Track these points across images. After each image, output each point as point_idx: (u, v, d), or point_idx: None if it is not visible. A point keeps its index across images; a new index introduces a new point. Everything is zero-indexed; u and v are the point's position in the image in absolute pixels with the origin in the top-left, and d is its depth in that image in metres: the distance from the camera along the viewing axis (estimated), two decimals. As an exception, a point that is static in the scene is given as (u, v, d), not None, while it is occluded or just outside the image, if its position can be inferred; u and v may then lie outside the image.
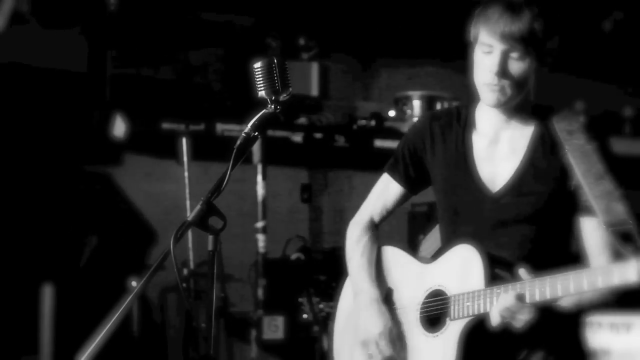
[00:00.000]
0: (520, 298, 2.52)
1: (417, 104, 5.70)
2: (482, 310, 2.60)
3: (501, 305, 2.54)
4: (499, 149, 2.74)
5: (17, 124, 5.04)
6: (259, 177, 5.31)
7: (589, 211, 2.60)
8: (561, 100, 6.89)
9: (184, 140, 5.11)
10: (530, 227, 2.68)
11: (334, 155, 5.70)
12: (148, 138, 5.23)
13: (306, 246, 5.62)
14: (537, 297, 2.50)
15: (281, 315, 5.16)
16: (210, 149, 4.99)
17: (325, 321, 4.89)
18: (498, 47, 2.62)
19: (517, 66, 2.64)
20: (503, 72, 2.63)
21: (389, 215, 3.03)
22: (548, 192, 2.65)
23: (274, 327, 5.16)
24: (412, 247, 3.28)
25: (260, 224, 5.29)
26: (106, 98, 5.31)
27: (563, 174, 2.65)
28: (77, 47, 5.29)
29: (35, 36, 5.16)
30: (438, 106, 5.70)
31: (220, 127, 5.24)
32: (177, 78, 5.58)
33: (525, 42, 2.62)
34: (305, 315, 4.87)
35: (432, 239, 3.04)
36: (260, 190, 5.31)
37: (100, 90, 5.30)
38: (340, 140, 5.58)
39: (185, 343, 5.09)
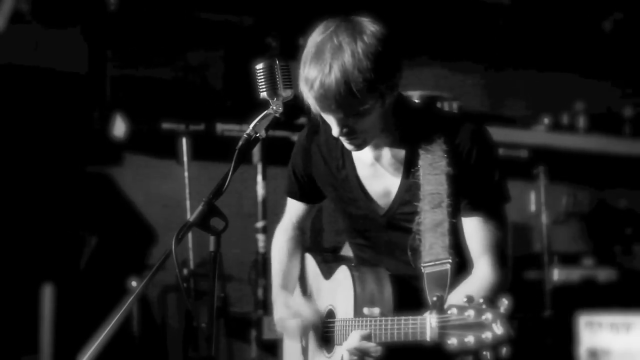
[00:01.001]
0: (367, 338, 2.49)
1: (417, 104, 5.69)
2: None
3: (349, 345, 2.53)
4: (381, 165, 2.66)
5: (16, 124, 5.03)
6: (259, 177, 5.31)
7: (468, 211, 2.55)
8: (561, 100, 6.93)
9: (184, 140, 5.11)
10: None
11: (334, 155, 5.69)
12: (148, 138, 5.23)
13: (306, 246, 5.61)
14: (379, 339, 2.47)
15: (281, 315, 5.15)
16: (210, 149, 4.99)
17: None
18: (329, 116, 2.47)
19: (360, 123, 2.47)
20: (348, 132, 2.50)
21: (309, 217, 3.05)
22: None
23: (274, 327, 5.15)
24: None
25: (260, 224, 5.28)
26: (106, 98, 5.30)
27: (415, 191, 2.58)
28: (77, 47, 5.28)
29: (35, 36, 5.16)
30: (438, 106, 5.70)
31: (220, 127, 5.23)
32: (177, 78, 5.58)
33: (351, 102, 2.40)
34: (305, 315, 4.87)
35: None
36: (260, 190, 5.30)
37: (100, 90, 5.30)
38: (340, 140, 5.57)
39: (185, 343, 5.08)
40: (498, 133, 6.79)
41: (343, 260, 2.93)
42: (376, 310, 2.52)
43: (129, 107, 5.17)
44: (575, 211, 6.46)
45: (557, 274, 5.82)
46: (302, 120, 5.52)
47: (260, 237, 5.26)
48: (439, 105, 5.66)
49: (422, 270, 2.49)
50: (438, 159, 2.52)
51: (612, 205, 6.74)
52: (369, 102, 2.42)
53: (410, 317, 2.38)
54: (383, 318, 2.47)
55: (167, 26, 5.53)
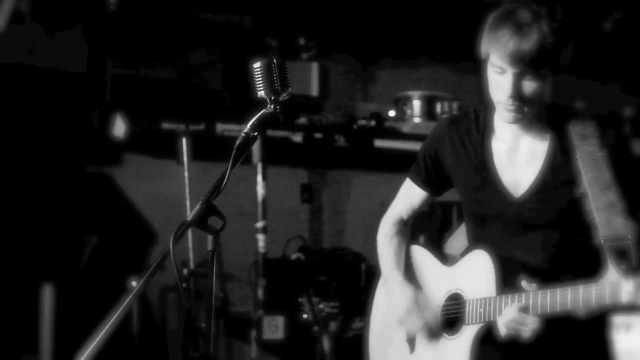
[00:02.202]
0: (524, 309, 2.55)
1: (417, 104, 5.70)
2: (492, 318, 2.64)
3: (506, 317, 2.58)
4: (519, 154, 2.75)
5: (17, 124, 5.04)
6: (259, 177, 5.31)
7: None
8: (561, 100, 6.89)
9: (184, 140, 5.11)
10: (554, 232, 2.69)
11: (334, 155, 5.70)
12: (148, 138, 5.23)
13: (306, 246, 5.62)
14: (540, 310, 2.52)
15: (281, 315, 5.16)
16: (210, 149, 4.99)
17: (326, 321, 4.90)
18: (510, 70, 2.59)
19: (531, 86, 2.61)
20: (518, 94, 2.60)
21: (418, 212, 3.09)
22: (567, 198, 2.65)
23: (274, 327, 5.16)
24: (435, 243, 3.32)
25: (260, 224, 5.29)
26: (106, 98, 5.30)
27: (573, 180, 2.64)
28: (77, 47, 5.28)
29: (35, 36, 5.16)
30: (438, 106, 5.70)
31: (220, 127, 5.24)
32: (177, 78, 5.59)
33: (538, 64, 2.57)
34: (305, 315, 4.88)
35: (459, 237, 3.06)
36: (260, 190, 5.31)
37: (100, 90, 5.30)
38: (340, 140, 5.58)
39: (185, 343, 5.08)
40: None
41: (462, 251, 2.93)
42: (534, 285, 2.58)
43: (129, 107, 5.18)
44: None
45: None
46: (302, 120, 5.53)
47: (260, 237, 5.27)
48: (439, 105, 5.70)
49: (602, 244, 2.52)
50: (596, 150, 2.62)
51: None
52: (550, 68, 2.59)
53: (593, 284, 2.43)
54: (547, 290, 2.51)
55: (167, 26, 5.54)
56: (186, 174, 5.06)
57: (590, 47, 6.46)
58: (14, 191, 4.98)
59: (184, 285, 4.88)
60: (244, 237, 5.36)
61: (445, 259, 2.98)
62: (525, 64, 2.54)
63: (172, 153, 5.16)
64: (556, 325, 2.55)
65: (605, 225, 2.53)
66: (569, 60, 2.68)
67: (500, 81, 2.61)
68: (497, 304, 2.63)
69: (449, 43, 6.12)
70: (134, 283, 4.67)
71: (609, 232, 2.52)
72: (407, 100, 5.73)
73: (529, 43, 2.53)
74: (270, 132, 5.27)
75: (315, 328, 4.82)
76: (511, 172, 2.75)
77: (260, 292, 5.24)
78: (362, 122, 5.68)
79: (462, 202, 2.92)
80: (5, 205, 4.92)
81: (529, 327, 2.55)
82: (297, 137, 5.47)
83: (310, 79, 5.62)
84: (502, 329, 2.60)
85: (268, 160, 5.32)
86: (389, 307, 3.00)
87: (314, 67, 5.64)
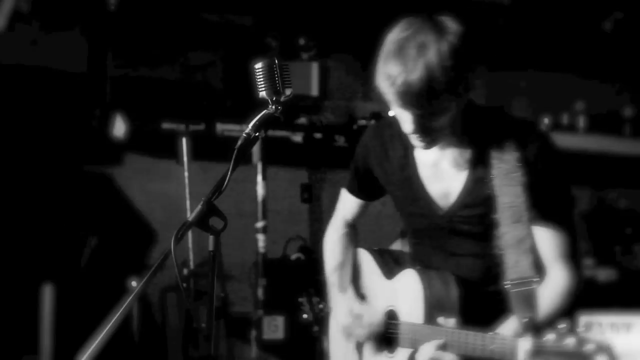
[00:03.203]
0: (442, 347, 2.50)
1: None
2: (417, 347, 2.61)
3: (424, 354, 2.54)
4: (444, 167, 2.67)
5: (17, 124, 5.04)
6: (259, 177, 5.31)
7: (540, 220, 2.54)
8: (561, 100, 6.92)
9: (184, 140, 5.11)
10: (485, 242, 2.63)
11: (334, 155, 5.69)
12: (148, 138, 5.23)
13: (306, 246, 5.62)
14: (456, 350, 2.48)
15: (281, 315, 5.16)
16: (210, 149, 4.99)
17: (325, 321, 4.89)
18: (406, 110, 2.46)
19: (434, 121, 2.47)
20: (422, 130, 2.49)
21: (362, 214, 3.09)
22: (490, 213, 2.58)
23: (274, 327, 5.16)
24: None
25: (260, 224, 5.29)
26: (106, 98, 5.30)
27: (488, 202, 2.56)
28: (77, 47, 5.28)
29: (35, 36, 5.16)
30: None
31: (220, 127, 5.23)
32: (177, 78, 5.58)
33: (432, 103, 2.40)
34: (305, 315, 4.87)
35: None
36: (260, 190, 5.31)
37: (100, 90, 5.30)
38: (340, 140, 5.58)
39: (185, 343, 5.08)
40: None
41: (404, 261, 2.95)
42: (451, 321, 2.52)
43: (129, 107, 5.17)
44: (576, 209, 6.46)
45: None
46: (302, 120, 5.53)
47: (260, 237, 5.27)
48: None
49: (508, 289, 2.47)
50: (513, 168, 2.51)
51: (612, 205, 6.74)
52: (447, 101, 2.42)
53: (499, 336, 2.38)
54: (463, 331, 2.46)
55: (167, 26, 5.54)
56: (186, 174, 5.06)
57: (590, 47, 6.47)
58: (14, 191, 4.98)
59: (184, 285, 4.87)
60: (244, 237, 5.36)
61: (388, 267, 2.96)
62: (417, 106, 2.41)
63: (172, 153, 5.16)
64: None
65: (512, 267, 2.47)
66: (475, 77, 2.47)
67: (401, 115, 2.51)
68: (423, 334, 2.59)
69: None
70: (134, 283, 4.67)
71: (515, 274, 2.46)
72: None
73: (417, 84, 2.35)
74: (270, 132, 5.27)
75: (315, 328, 4.81)
76: (438, 184, 2.69)
77: (260, 292, 5.24)
78: (362, 122, 5.67)
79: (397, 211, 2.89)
80: (6, 205, 4.92)
81: None
82: (297, 137, 5.47)
83: (310, 79, 5.62)
84: None
85: (268, 160, 5.32)
86: (337, 322, 3.04)
87: (314, 67, 5.64)
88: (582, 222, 6.52)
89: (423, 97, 2.37)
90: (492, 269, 2.63)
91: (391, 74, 2.40)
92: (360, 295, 3.02)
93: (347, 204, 3.08)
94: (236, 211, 5.40)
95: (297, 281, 5.19)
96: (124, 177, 5.43)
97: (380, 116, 5.70)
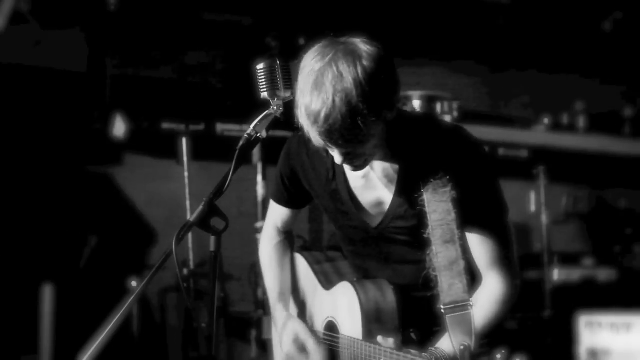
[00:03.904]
0: None
1: (417, 104, 5.69)
2: None
3: None
4: (374, 177, 2.61)
5: (17, 124, 5.03)
6: (259, 177, 5.31)
7: (471, 227, 2.51)
8: (561, 100, 6.92)
9: (184, 140, 5.11)
10: (420, 250, 2.56)
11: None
12: (148, 138, 5.23)
13: (306, 246, 5.62)
14: None
15: (281, 315, 5.15)
16: (210, 149, 4.99)
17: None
18: (334, 148, 2.39)
19: (362, 148, 2.39)
20: (351, 160, 2.43)
21: (294, 221, 3.02)
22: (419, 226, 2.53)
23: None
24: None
25: (260, 224, 5.28)
26: (106, 98, 5.30)
27: (420, 217, 2.50)
28: (77, 47, 5.28)
29: (35, 36, 5.16)
30: (438, 106, 5.69)
31: (220, 127, 5.23)
32: (177, 78, 5.58)
33: (355, 137, 2.31)
34: (305, 315, 4.87)
35: None
36: (260, 190, 5.31)
37: (100, 90, 5.30)
38: (340, 140, 5.57)
39: (185, 343, 5.08)
40: (498, 133, 6.82)
41: (341, 266, 2.91)
42: (390, 341, 2.48)
43: (129, 107, 5.17)
44: (575, 211, 6.46)
45: (557, 274, 5.82)
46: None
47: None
48: (439, 105, 5.69)
49: (443, 313, 2.42)
50: (441, 183, 2.46)
51: (612, 205, 6.74)
52: (373, 127, 2.34)
53: (436, 358, 2.36)
54: (400, 353, 2.42)
55: (167, 26, 5.53)
56: (186, 174, 5.06)
57: (590, 47, 6.47)
58: (14, 191, 4.98)
59: (185, 285, 4.87)
60: (244, 237, 5.36)
61: (326, 275, 2.91)
62: (343, 144, 2.34)
63: (172, 153, 5.16)
64: None
65: (446, 290, 2.42)
66: (398, 95, 2.42)
67: (329, 149, 2.43)
68: (361, 352, 2.57)
69: (449, 43, 6.12)
70: (134, 283, 4.67)
71: (449, 298, 2.40)
72: (407, 100, 5.72)
73: (340, 122, 2.25)
74: (270, 132, 5.26)
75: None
76: (369, 195, 2.63)
77: (260, 292, 5.23)
78: (362, 122, 5.66)
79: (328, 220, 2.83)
80: (6, 205, 4.92)
81: None
82: (297, 137, 5.46)
83: (310, 79, 5.62)
84: None
85: (268, 160, 5.32)
86: (281, 341, 2.94)
87: (314, 67, 5.63)
88: (583, 223, 6.53)
89: (347, 132, 2.29)
90: (429, 274, 2.56)
91: (312, 111, 2.29)
92: (300, 304, 2.97)
93: (277, 214, 3.00)
94: (236, 211, 5.40)
95: (297, 281, 5.18)
96: (124, 177, 5.43)
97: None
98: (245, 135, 2.35)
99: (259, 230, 5.27)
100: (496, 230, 2.53)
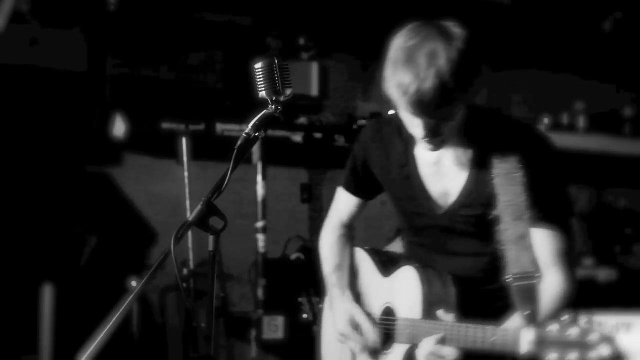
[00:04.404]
0: (441, 341, 2.52)
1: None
2: (416, 342, 2.63)
3: (424, 349, 2.56)
4: (444, 165, 2.69)
5: (17, 124, 5.03)
6: (259, 177, 5.31)
7: (539, 222, 2.56)
8: (561, 100, 6.92)
9: (184, 140, 5.11)
10: (483, 242, 2.66)
11: (334, 155, 5.69)
12: (148, 138, 5.23)
13: (306, 246, 5.62)
14: (456, 343, 2.49)
15: (281, 315, 5.16)
16: (210, 149, 4.99)
17: (319, 316, 4.90)
18: (417, 119, 2.49)
19: (446, 124, 2.50)
20: (432, 134, 2.52)
21: (359, 215, 3.09)
22: (490, 212, 2.60)
23: (274, 327, 5.16)
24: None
25: (260, 224, 5.29)
26: (106, 98, 5.30)
27: (490, 201, 2.59)
28: (77, 47, 5.28)
29: (35, 36, 5.15)
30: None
31: (220, 127, 5.23)
32: (177, 78, 5.58)
33: (443, 109, 2.43)
34: (305, 315, 4.87)
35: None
36: (260, 190, 5.31)
37: (100, 90, 5.30)
38: (340, 140, 5.57)
39: (185, 343, 5.08)
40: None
41: (400, 260, 2.94)
42: (451, 316, 2.55)
43: (129, 107, 5.17)
44: (575, 211, 6.46)
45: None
46: (302, 120, 5.53)
47: (260, 237, 5.27)
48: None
49: (509, 282, 2.49)
50: (514, 169, 2.54)
51: (612, 205, 6.74)
52: (458, 105, 2.47)
53: (501, 328, 2.40)
54: (462, 324, 2.48)
55: (167, 26, 5.53)
56: (186, 174, 5.06)
57: (590, 47, 6.46)
58: (14, 191, 4.98)
59: (184, 285, 4.87)
60: (244, 237, 5.36)
61: (385, 265, 2.97)
62: (430, 114, 2.44)
63: (172, 153, 5.16)
64: (475, 357, 2.49)
65: (514, 261, 2.50)
66: (484, 79, 2.51)
67: (412, 121, 2.52)
68: (421, 329, 2.61)
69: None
70: (134, 283, 4.67)
71: (517, 269, 2.49)
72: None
73: (430, 93, 2.37)
74: (270, 132, 5.27)
75: (315, 328, 4.82)
76: (438, 183, 2.71)
77: (260, 292, 5.24)
78: (362, 122, 5.67)
79: (395, 209, 2.89)
80: (6, 205, 4.92)
81: (447, 359, 2.51)
82: (297, 137, 5.46)
83: (310, 79, 5.62)
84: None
85: (268, 160, 5.32)
86: (335, 322, 3.02)
87: (314, 67, 5.64)
88: (583, 223, 6.52)
89: (436, 105, 2.40)
90: (490, 268, 2.66)
91: (403, 83, 2.41)
92: (357, 295, 3.01)
93: (344, 204, 3.08)
94: (236, 211, 5.41)
95: (297, 281, 5.18)
96: (124, 177, 5.43)
97: (380, 116, 5.70)
98: (244, 135, 2.35)
99: (259, 230, 5.28)
100: (563, 227, 2.59)
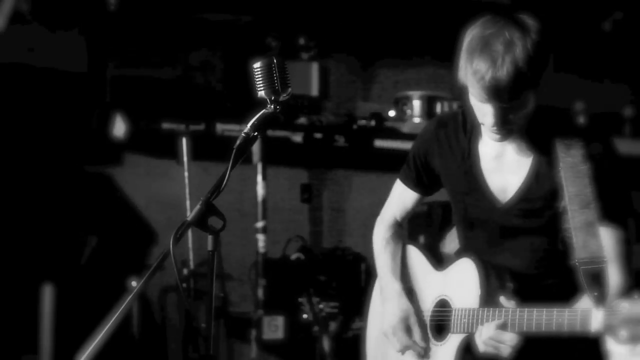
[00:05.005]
0: (502, 327, 2.54)
1: (417, 104, 5.69)
2: (474, 330, 2.65)
3: (484, 335, 2.58)
4: (505, 160, 2.74)
5: (17, 124, 5.04)
6: (259, 177, 5.31)
7: (602, 220, 2.58)
8: (561, 100, 6.89)
9: (184, 140, 5.11)
10: (540, 238, 2.70)
11: (334, 155, 5.70)
12: (148, 138, 5.23)
13: (306, 246, 5.62)
14: (518, 328, 2.51)
15: (281, 315, 5.16)
16: (210, 149, 4.99)
17: (326, 321, 4.89)
18: (492, 103, 2.55)
19: (516, 112, 2.57)
20: (502, 122, 2.58)
21: (412, 212, 3.13)
22: (551, 207, 2.65)
23: (274, 327, 5.16)
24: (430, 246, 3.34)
25: (260, 224, 5.29)
26: (106, 98, 5.30)
27: (553, 193, 2.63)
28: (77, 47, 5.28)
29: (35, 36, 5.16)
30: (438, 106, 5.69)
31: (220, 127, 5.23)
32: (177, 78, 5.58)
33: (517, 95, 2.51)
34: (305, 315, 4.87)
35: (454, 236, 3.08)
36: (260, 190, 5.31)
37: (100, 90, 5.30)
38: (340, 140, 5.57)
39: (185, 343, 5.08)
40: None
41: (456, 254, 2.95)
42: (512, 302, 2.58)
43: (129, 107, 5.17)
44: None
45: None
46: (302, 120, 5.53)
47: (260, 237, 5.27)
48: (439, 105, 5.69)
49: (577, 266, 2.52)
50: (579, 163, 2.59)
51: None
52: (529, 96, 2.54)
53: (567, 309, 2.42)
54: (525, 309, 2.50)
55: (167, 26, 5.53)
56: (186, 174, 5.06)
57: (590, 47, 6.46)
58: (14, 191, 4.98)
59: (184, 285, 4.87)
60: (244, 237, 5.36)
61: (438, 261, 2.99)
62: (504, 100, 2.51)
63: (172, 153, 5.16)
64: (537, 342, 2.52)
65: (581, 247, 2.52)
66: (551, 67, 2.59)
67: (483, 109, 2.58)
68: (480, 316, 2.63)
69: (449, 43, 6.11)
70: (134, 283, 4.67)
71: (585, 254, 2.51)
72: (407, 100, 5.72)
73: (505, 79, 2.46)
74: (270, 132, 5.27)
75: (315, 328, 4.82)
76: (498, 177, 2.75)
77: (260, 292, 5.24)
78: (362, 122, 5.67)
79: (451, 203, 2.93)
80: (6, 205, 4.92)
81: (507, 344, 2.54)
82: (297, 137, 5.47)
83: (310, 79, 5.62)
84: (481, 346, 2.60)
85: (268, 160, 5.32)
86: (385, 315, 3.01)
87: (314, 67, 5.64)
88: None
89: (510, 92, 2.48)
90: (547, 264, 2.69)
91: (479, 70, 2.48)
92: (409, 289, 3.02)
93: (400, 198, 3.09)
94: (236, 211, 5.41)
95: (297, 281, 5.19)
96: (124, 177, 5.43)
97: (380, 116, 5.71)
98: (243, 134, 2.35)
99: (259, 230, 5.28)
100: (625, 225, 2.62)
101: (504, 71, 2.46)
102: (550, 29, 2.62)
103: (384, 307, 3.02)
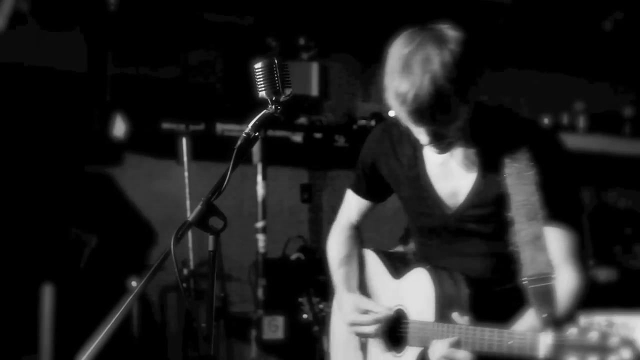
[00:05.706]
0: (455, 345, 2.50)
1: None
2: (428, 345, 2.61)
3: (437, 352, 2.54)
4: (453, 165, 2.68)
5: (17, 124, 5.04)
6: (259, 177, 5.31)
7: (550, 220, 2.53)
8: (561, 100, 6.91)
9: (184, 140, 5.11)
10: (494, 242, 2.64)
11: (334, 155, 5.70)
12: (148, 138, 5.23)
13: (306, 246, 5.62)
14: (470, 347, 2.47)
15: (281, 315, 5.16)
16: (210, 149, 4.99)
17: (326, 321, 4.89)
18: (419, 127, 2.48)
19: (448, 127, 2.48)
20: (438, 139, 2.51)
21: (367, 214, 3.08)
22: (501, 212, 2.58)
23: (274, 327, 5.16)
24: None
25: (260, 224, 5.29)
26: (106, 98, 5.30)
27: (502, 199, 2.57)
28: (77, 47, 5.28)
29: (35, 36, 5.16)
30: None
31: (220, 127, 5.23)
32: (177, 78, 5.58)
33: (443, 114, 2.41)
34: (305, 315, 4.87)
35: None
36: (260, 190, 5.31)
37: (100, 90, 5.30)
38: (340, 140, 5.58)
39: (185, 343, 5.08)
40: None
41: (411, 262, 2.93)
42: (465, 318, 2.52)
43: (129, 107, 5.17)
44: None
45: (557, 274, 5.82)
46: (302, 120, 5.54)
47: (260, 237, 5.27)
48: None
49: (525, 285, 2.48)
50: (525, 168, 2.53)
51: (612, 205, 6.74)
52: (458, 109, 2.43)
53: (518, 331, 2.38)
54: (477, 327, 2.46)
55: (167, 26, 5.53)
56: (186, 174, 5.06)
57: (590, 47, 6.46)
58: (14, 191, 4.98)
59: (184, 285, 4.87)
60: (244, 237, 5.36)
61: (396, 267, 2.95)
62: (430, 122, 2.43)
63: (172, 153, 5.16)
64: None
65: (529, 263, 2.48)
66: (481, 78, 2.48)
67: (414, 128, 2.51)
68: (434, 332, 2.59)
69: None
70: (134, 283, 4.67)
71: (532, 270, 2.47)
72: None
73: (427, 99, 2.36)
74: (270, 132, 5.27)
75: (315, 328, 4.82)
76: (446, 183, 2.69)
77: (260, 292, 5.24)
78: (362, 122, 5.67)
79: (404, 211, 2.88)
80: (6, 205, 4.92)
81: None
82: (297, 137, 5.47)
83: (310, 79, 5.62)
84: None
85: (268, 160, 5.32)
86: (342, 318, 3.00)
87: (314, 67, 5.64)
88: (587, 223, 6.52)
89: (435, 111, 2.39)
90: (501, 268, 2.64)
91: (400, 92, 2.40)
92: (366, 296, 3.01)
93: (352, 205, 3.06)
94: (236, 211, 5.41)
95: (297, 281, 5.19)
96: (124, 177, 5.43)
97: (380, 116, 5.71)
98: (243, 135, 2.35)
99: (259, 230, 5.28)
100: (574, 225, 2.57)
101: (424, 93, 2.36)
102: (477, 38, 2.48)
103: (341, 311, 3.00)
